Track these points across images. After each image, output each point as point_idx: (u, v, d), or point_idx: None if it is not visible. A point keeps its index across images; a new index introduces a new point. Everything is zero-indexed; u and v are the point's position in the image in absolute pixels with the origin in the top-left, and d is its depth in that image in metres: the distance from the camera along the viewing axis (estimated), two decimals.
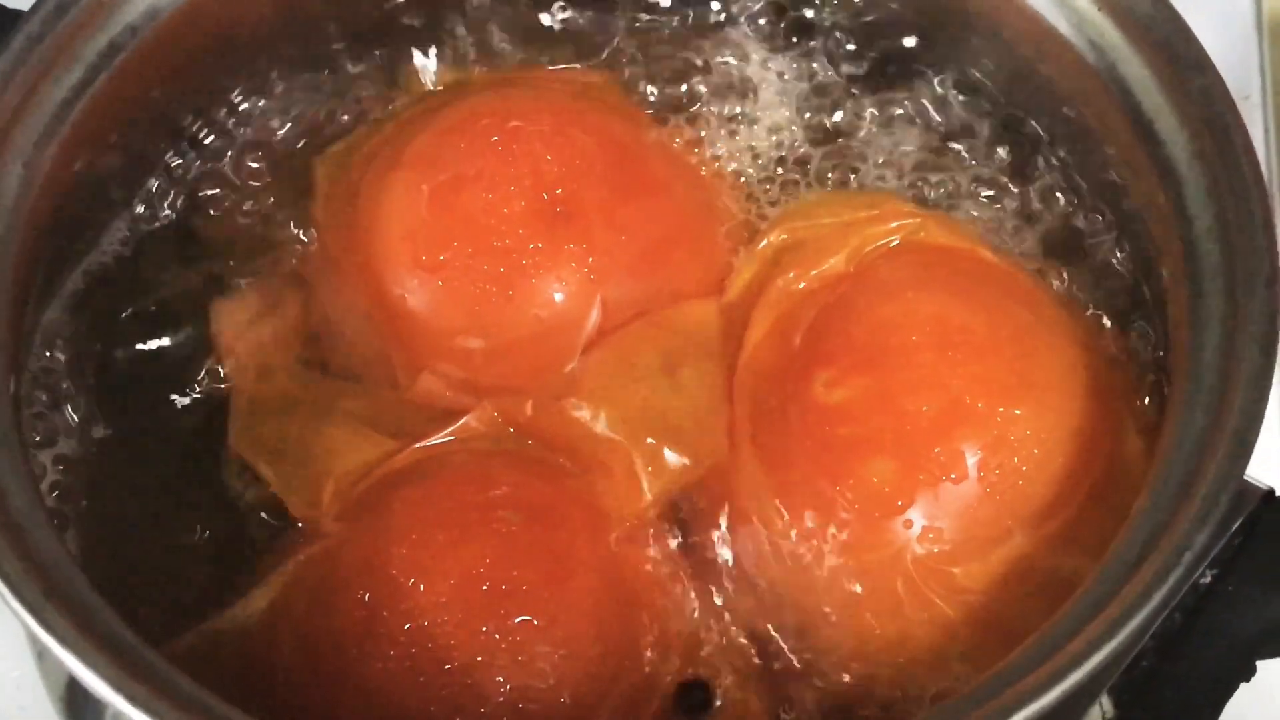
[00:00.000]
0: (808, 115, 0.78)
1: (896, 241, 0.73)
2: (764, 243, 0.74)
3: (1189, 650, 0.60)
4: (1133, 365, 0.70)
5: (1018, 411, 0.65)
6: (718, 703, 0.67)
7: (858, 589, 0.66)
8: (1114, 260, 0.73)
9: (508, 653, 0.62)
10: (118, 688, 0.53)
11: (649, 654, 0.66)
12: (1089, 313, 0.72)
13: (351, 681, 0.62)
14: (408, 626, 0.62)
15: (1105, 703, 0.60)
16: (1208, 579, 0.61)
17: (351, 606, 0.63)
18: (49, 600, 0.55)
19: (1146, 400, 0.69)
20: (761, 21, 0.80)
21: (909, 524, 0.65)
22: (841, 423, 0.66)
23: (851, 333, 0.68)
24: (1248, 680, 0.62)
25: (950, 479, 0.64)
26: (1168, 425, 0.60)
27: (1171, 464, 0.58)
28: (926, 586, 0.65)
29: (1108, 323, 0.72)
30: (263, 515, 0.69)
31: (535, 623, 0.63)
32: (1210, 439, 0.58)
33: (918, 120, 0.77)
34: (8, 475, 0.59)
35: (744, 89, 0.78)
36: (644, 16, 0.80)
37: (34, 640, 0.66)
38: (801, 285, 0.72)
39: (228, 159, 0.76)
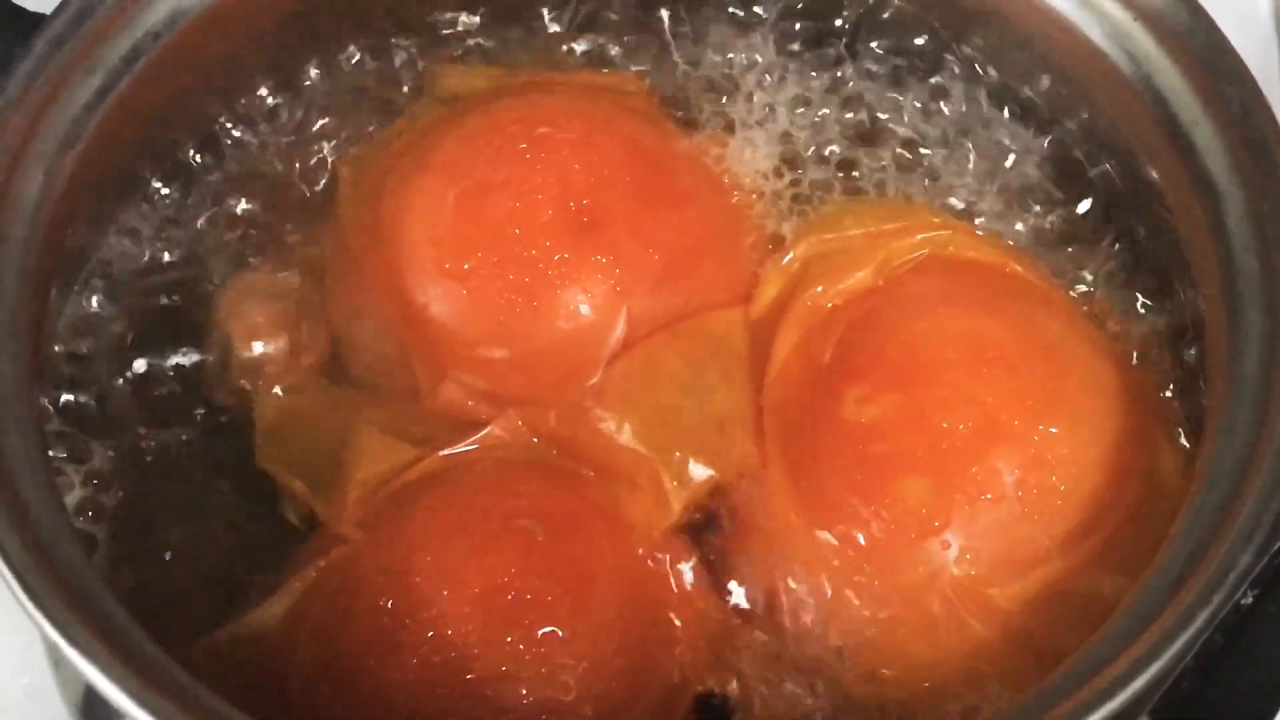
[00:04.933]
0: (835, 124, 0.77)
1: (925, 254, 0.72)
2: (790, 255, 0.73)
3: (1230, 672, 0.60)
4: (1168, 381, 0.70)
5: (1054, 429, 0.64)
6: (738, 715, 0.66)
7: (891, 610, 0.65)
8: (1150, 275, 0.72)
9: (530, 664, 0.61)
10: (138, 700, 0.53)
11: (672, 667, 0.66)
12: (1123, 328, 0.72)
13: (371, 690, 0.62)
14: (429, 635, 0.61)
15: None
16: (1249, 600, 0.60)
17: (372, 614, 0.63)
18: (71, 611, 0.54)
19: (1183, 417, 0.69)
20: (787, 29, 0.79)
21: (945, 545, 0.64)
22: (874, 440, 0.65)
23: (882, 349, 0.67)
24: None
25: (987, 498, 0.64)
26: (1208, 442, 0.60)
27: (1213, 482, 0.58)
28: (963, 608, 0.64)
29: (1143, 338, 0.71)
30: (284, 520, 0.69)
31: (559, 634, 0.62)
32: (1253, 457, 0.57)
33: (947, 131, 0.77)
34: (29, 484, 0.58)
35: (769, 97, 0.78)
36: (670, 23, 0.79)
37: (51, 649, 0.66)
38: (829, 299, 0.71)
39: (250, 163, 0.76)
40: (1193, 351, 0.69)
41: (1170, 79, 0.66)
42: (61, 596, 0.55)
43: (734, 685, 0.66)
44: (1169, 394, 0.69)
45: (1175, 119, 0.66)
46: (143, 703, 0.53)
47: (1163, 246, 0.71)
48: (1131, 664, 0.53)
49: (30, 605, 0.54)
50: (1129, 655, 0.53)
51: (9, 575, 0.55)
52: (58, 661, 0.68)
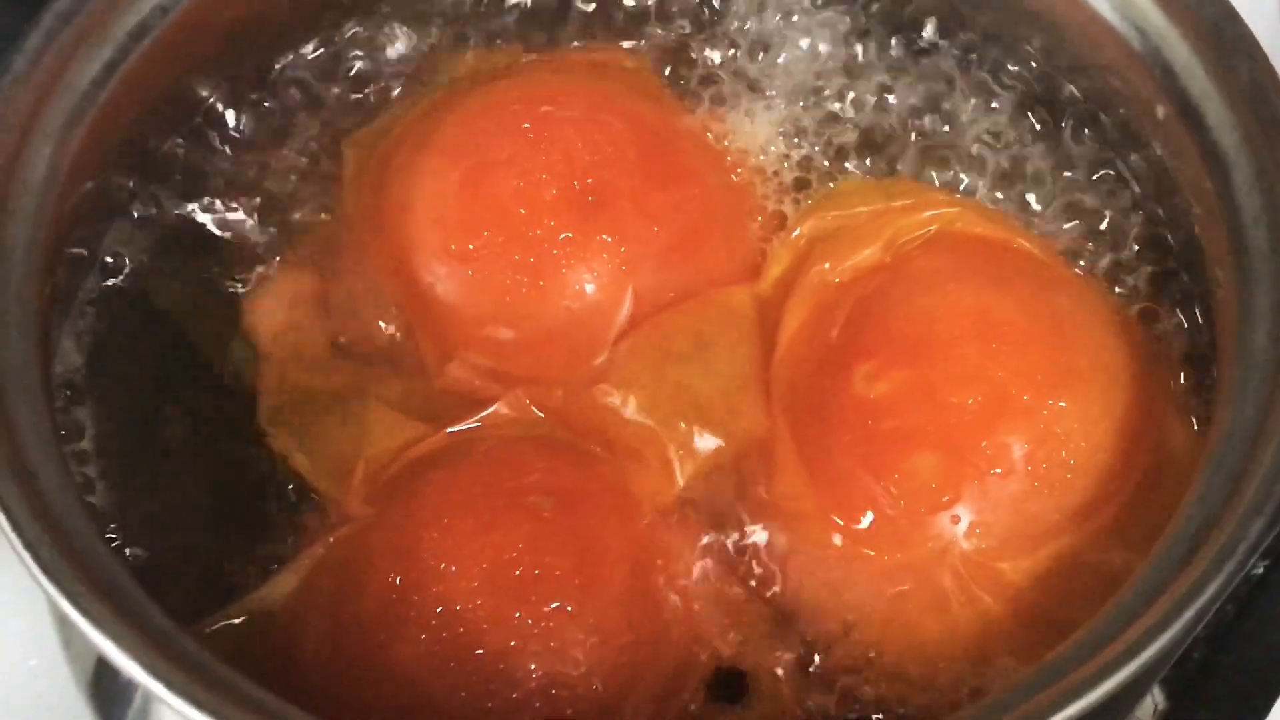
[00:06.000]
0: (841, 100, 0.77)
1: (933, 230, 0.72)
2: (796, 232, 0.73)
3: (1241, 642, 0.60)
4: (1177, 355, 0.70)
5: (1063, 404, 0.64)
6: (750, 693, 0.66)
7: (902, 585, 0.65)
8: (1159, 249, 0.72)
9: (539, 639, 0.61)
10: (150, 670, 0.53)
11: (681, 643, 0.65)
12: (1132, 302, 0.71)
13: (380, 665, 0.62)
14: (438, 611, 0.61)
15: (1157, 694, 0.59)
16: (1260, 570, 0.60)
17: (381, 590, 0.62)
18: (82, 582, 0.54)
19: (1192, 391, 0.69)
20: (791, 4, 0.79)
21: (955, 519, 0.64)
22: (884, 416, 0.65)
23: (891, 325, 0.67)
24: None
25: (997, 473, 0.64)
26: (1218, 415, 0.60)
27: (1223, 454, 0.58)
28: (974, 582, 0.64)
29: (1152, 312, 0.71)
30: (292, 498, 0.69)
31: (567, 609, 0.62)
32: (1263, 428, 0.57)
33: (955, 106, 0.76)
34: (40, 459, 0.58)
35: (775, 73, 0.78)
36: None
37: (61, 625, 0.66)
38: (837, 276, 0.71)
39: (257, 139, 0.76)
40: (1202, 324, 0.69)
41: (1179, 52, 0.66)
42: (73, 567, 0.55)
43: (745, 660, 0.66)
44: (1178, 367, 0.69)
45: (1184, 92, 0.66)
46: (155, 673, 0.53)
47: (1171, 220, 0.71)
48: (1143, 633, 0.53)
49: (42, 576, 0.54)
50: (1141, 624, 0.53)
51: (20, 546, 0.55)
52: (68, 640, 0.68)
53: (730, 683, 0.66)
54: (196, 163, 0.75)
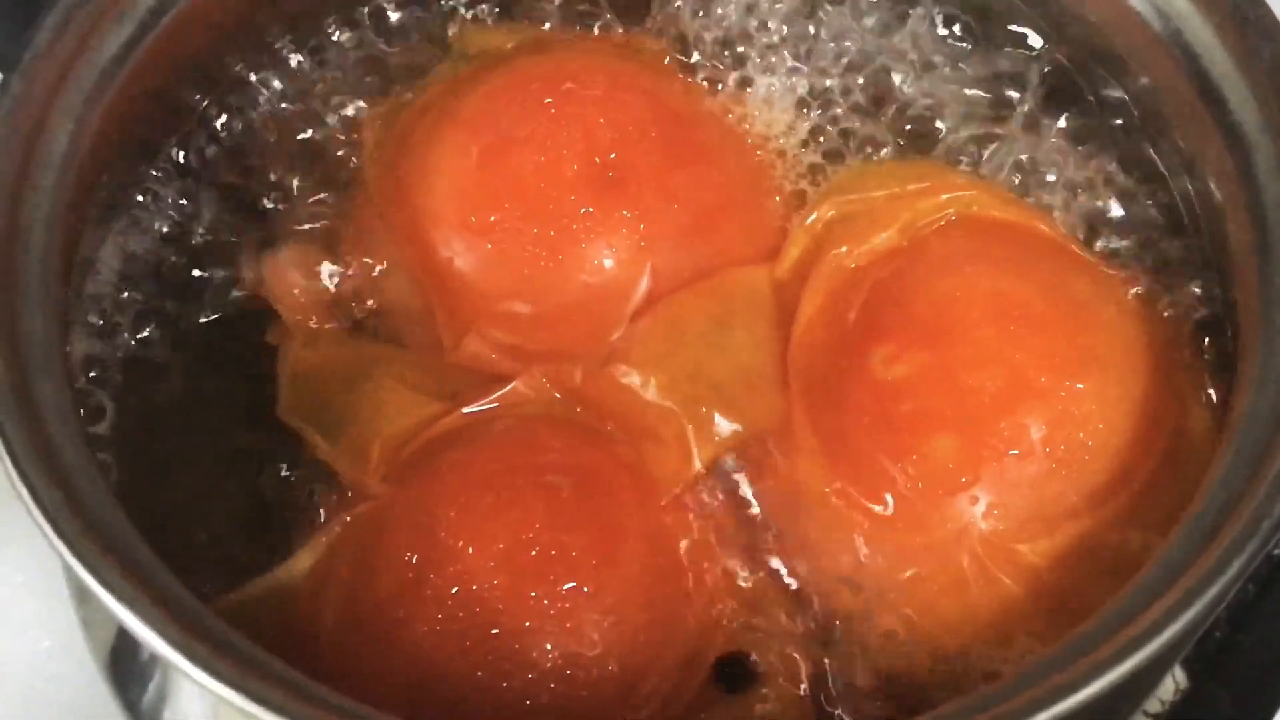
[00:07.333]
0: (858, 83, 0.77)
1: (950, 214, 0.72)
2: (813, 216, 0.73)
3: (1262, 621, 0.60)
4: (1197, 337, 0.69)
5: (1081, 386, 0.64)
6: (761, 678, 0.66)
7: (920, 566, 0.65)
8: (1179, 230, 0.72)
9: (555, 619, 0.61)
10: (175, 644, 0.53)
11: (696, 624, 0.65)
12: (1151, 284, 0.71)
13: (396, 644, 0.62)
14: (454, 590, 0.61)
15: (1178, 673, 0.59)
16: None
17: (398, 568, 0.63)
18: (105, 558, 0.54)
19: (1211, 372, 0.68)
20: None
21: (974, 500, 0.64)
22: (902, 399, 0.65)
23: (909, 308, 0.67)
24: None
25: (1015, 455, 0.64)
26: (1239, 394, 0.60)
27: (1245, 433, 0.58)
28: (992, 564, 0.64)
29: (1172, 294, 0.71)
30: (310, 477, 0.69)
31: (584, 590, 0.62)
32: None
33: (974, 88, 0.76)
34: (61, 436, 0.58)
35: (792, 55, 0.77)
36: None
37: (81, 604, 0.66)
38: (854, 260, 0.71)
39: (276, 114, 0.76)
40: (1222, 306, 0.69)
41: (1201, 34, 0.66)
42: (94, 541, 0.55)
43: (756, 644, 0.66)
44: (1198, 348, 0.69)
45: (1206, 74, 0.66)
46: (177, 645, 0.53)
47: (1192, 201, 0.71)
48: (1166, 611, 0.53)
49: (64, 549, 0.54)
50: (1162, 603, 0.53)
51: (41, 519, 0.55)
52: (87, 619, 0.68)
53: (738, 668, 0.66)
54: (217, 139, 0.75)
